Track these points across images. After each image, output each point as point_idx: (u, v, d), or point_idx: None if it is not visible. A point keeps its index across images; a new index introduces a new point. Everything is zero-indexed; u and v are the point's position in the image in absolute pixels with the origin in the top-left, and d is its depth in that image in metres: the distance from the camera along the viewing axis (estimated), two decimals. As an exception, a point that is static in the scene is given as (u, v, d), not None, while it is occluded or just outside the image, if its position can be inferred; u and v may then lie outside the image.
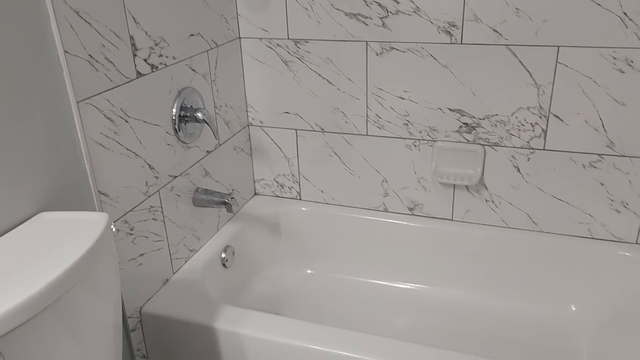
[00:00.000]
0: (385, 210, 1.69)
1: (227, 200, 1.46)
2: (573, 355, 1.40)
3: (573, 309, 1.51)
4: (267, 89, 1.66)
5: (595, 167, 1.42)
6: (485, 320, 1.54)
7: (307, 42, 1.55)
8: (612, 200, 1.44)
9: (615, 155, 1.40)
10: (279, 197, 1.80)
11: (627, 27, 1.27)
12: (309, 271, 1.75)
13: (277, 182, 1.78)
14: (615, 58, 1.31)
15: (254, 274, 1.69)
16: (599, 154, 1.41)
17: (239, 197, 1.73)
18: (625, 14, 1.26)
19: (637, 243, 1.46)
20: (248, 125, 1.73)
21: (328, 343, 1.15)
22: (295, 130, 1.68)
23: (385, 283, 1.69)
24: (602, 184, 1.43)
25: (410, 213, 1.67)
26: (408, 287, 1.67)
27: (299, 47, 1.57)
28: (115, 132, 1.15)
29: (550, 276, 1.53)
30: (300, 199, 1.78)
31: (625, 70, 1.31)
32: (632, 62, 1.30)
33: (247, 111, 1.71)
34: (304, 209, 1.73)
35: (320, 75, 1.58)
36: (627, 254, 1.43)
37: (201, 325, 1.23)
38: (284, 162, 1.74)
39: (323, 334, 1.17)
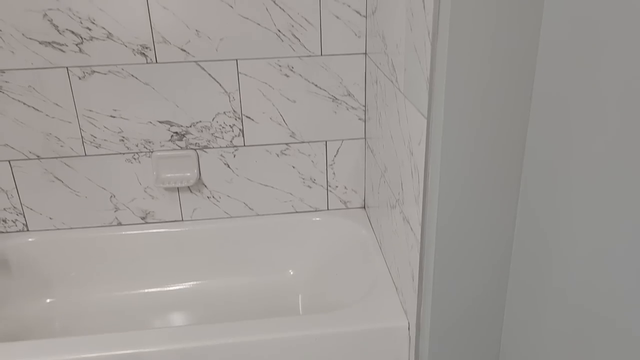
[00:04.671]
0: (119, 224, 1.77)
1: None
2: (292, 308, 1.71)
3: (291, 273, 1.82)
4: (-33, 124, 1.60)
5: (286, 154, 1.75)
6: (227, 298, 1.75)
7: (3, 72, 1.55)
8: (303, 179, 1.79)
9: (297, 142, 1.74)
10: (2, 232, 1.73)
11: (282, 41, 1.61)
12: (48, 300, 1.73)
13: (-3, 218, 1.72)
14: (280, 65, 1.64)
15: (-16, 318, 1.60)
16: (286, 143, 1.74)
17: (-47, 241, 1.61)
18: (279, 30, 1.60)
19: (327, 209, 1.84)
20: (-49, 163, 1.63)
21: (60, 353, 1.20)
22: (9, 161, 1.65)
23: (131, 292, 1.77)
24: (293, 167, 1.77)
25: (143, 222, 1.78)
26: (154, 290, 1.78)
27: (-5, 78, 1.56)
28: None
29: (270, 251, 1.81)
30: (27, 230, 1.74)
31: (289, 74, 1.65)
32: (292, 67, 1.65)
33: (-54, 149, 1.61)
34: (31, 239, 1.71)
35: (25, 104, 1.59)
36: (318, 219, 1.80)
37: None
38: (1, 196, 1.69)
39: (52, 347, 1.22)
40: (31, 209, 1.72)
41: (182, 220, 1.79)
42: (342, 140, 1.75)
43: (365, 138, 1.75)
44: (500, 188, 1.04)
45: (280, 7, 1.57)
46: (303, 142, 1.74)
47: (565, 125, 0.86)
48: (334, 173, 1.79)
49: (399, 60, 1.23)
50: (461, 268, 1.11)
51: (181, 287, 1.79)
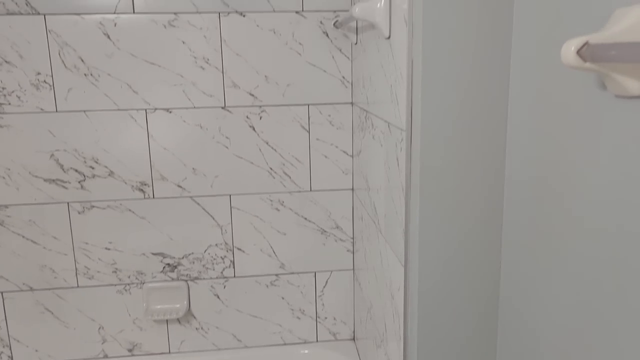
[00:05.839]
0: (105, 356, 1.75)
1: None
2: None
3: (279, 409, 1.76)
4: (-35, 256, 1.64)
5: (275, 285, 1.78)
6: None
7: (7, 207, 1.63)
8: (292, 310, 1.80)
9: (287, 274, 1.78)
10: (-14, 366, 1.71)
11: (274, 178, 1.71)
12: None
13: (-17, 350, 1.70)
14: (271, 200, 1.73)
15: None
16: (275, 274, 1.77)
17: None
18: (271, 168, 1.70)
19: (317, 341, 1.83)
20: (-56, 295, 1.65)
21: None
22: (1, 293, 1.68)
23: None
24: (282, 297, 1.79)
25: (130, 354, 1.76)
26: None
27: (-2, 213, 1.63)
28: None
29: (259, 385, 1.77)
30: (11, 364, 1.72)
31: (280, 208, 1.73)
32: (283, 202, 1.73)
33: (-58, 281, 1.64)
34: (14, 373, 1.68)
35: (24, 237, 1.65)
36: (307, 351, 1.77)
37: None
38: (-10, 328, 1.69)
39: None
40: (18, 341, 1.71)
41: (170, 352, 1.77)
42: (331, 271, 1.79)
43: (353, 269, 1.79)
44: (478, 337, 1.05)
45: (272, 148, 1.69)
46: (292, 273, 1.77)
47: (536, 272, 0.90)
48: (323, 304, 1.80)
49: (380, 205, 1.30)
50: (445, 418, 1.09)
51: None
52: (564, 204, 0.79)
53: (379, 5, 1.12)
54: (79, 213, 1.66)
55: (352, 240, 1.77)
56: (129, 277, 1.71)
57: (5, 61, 1.55)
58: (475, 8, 0.92)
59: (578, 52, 0.62)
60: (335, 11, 1.62)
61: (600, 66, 0.62)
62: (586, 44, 0.62)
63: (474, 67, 0.94)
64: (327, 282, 1.79)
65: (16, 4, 1.52)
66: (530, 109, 0.88)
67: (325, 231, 1.76)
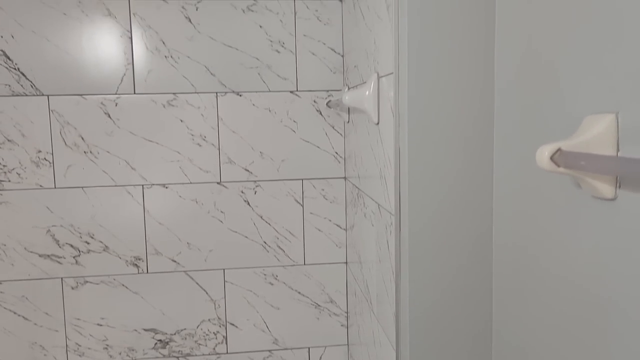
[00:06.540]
0: None
1: None
2: None
3: None
4: (-46, 333, 1.62)
5: (268, 362, 1.75)
6: None
7: (0, 283, 1.63)
8: (286, 387, 1.76)
9: (280, 349, 1.75)
10: None
11: (268, 252, 1.72)
12: None
13: None
14: (265, 274, 1.73)
15: None
16: (269, 350, 1.75)
17: None
18: (265, 242, 1.72)
19: (311, 420, 1.78)
20: None
21: None
22: (-11, 371, 1.64)
23: None
24: (276, 374, 1.75)
25: None
26: None
27: (-9, 289, 1.63)
28: None
29: None
30: None
31: (273, 282, 1.73)
32: (277, 276, 1.73)
33: None
34: None
35: (15, 313, 1.64)
36: None
37: None
38: (-26, 409, 1.64)
39: None
40: (2, 422, 1.66)
41: None
42: (325, 347, 1.76)
43: (347, 344, 1.76)
44: (473, 423, 1.04)
45: (266, 222, 1.71)
46: (286, 349, 1.75)
47: (528, 347, 0.90)
48: (317, 381, 1.77)
49: (372, 283, 1.31)
50: None
51: None
52: (548, 286, 0.80)
53: (367, 93, 1.17)
54: (73, 288, 1.65)
55: (346, 314, 1.76)
56: (120, 353, 1.69)
57: (8, 140, 1.59)
58: (460, 100, 0.97)
59: (552, 157, 0.65)
60: (328, 91, 1.69)
61: (574, 171, 0.65)
62: (559, 150, 0.65)
63: (460, 158, 0.98)
64: (321, 358, 1.76)
65: (21, 85, 1.58)
66: (513, 199, 0.91)
67: (319, 305, 1.75)
